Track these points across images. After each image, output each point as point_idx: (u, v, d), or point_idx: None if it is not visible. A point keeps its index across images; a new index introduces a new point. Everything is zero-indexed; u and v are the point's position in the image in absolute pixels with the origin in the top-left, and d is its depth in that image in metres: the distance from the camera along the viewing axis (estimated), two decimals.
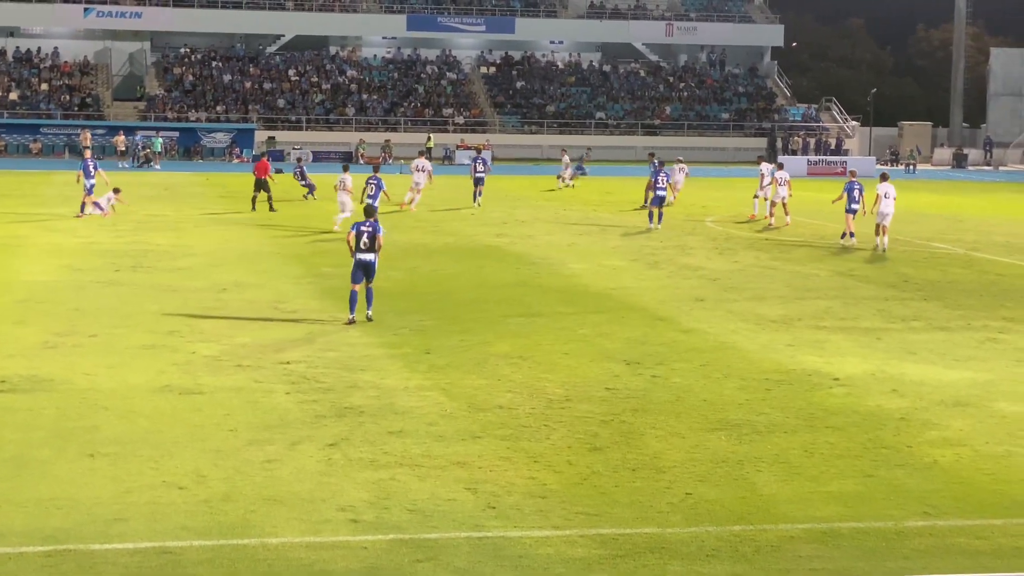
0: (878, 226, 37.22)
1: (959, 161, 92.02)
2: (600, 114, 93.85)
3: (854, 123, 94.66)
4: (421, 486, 14.49)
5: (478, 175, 49.90)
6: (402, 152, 78.30)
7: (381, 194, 38.97)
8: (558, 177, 61.93)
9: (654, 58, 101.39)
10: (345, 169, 41.32)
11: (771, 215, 44.71)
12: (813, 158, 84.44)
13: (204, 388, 18.88)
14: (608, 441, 16.57)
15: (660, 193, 42.47)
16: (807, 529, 13.49)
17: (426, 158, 52.53)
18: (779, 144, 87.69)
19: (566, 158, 63.43)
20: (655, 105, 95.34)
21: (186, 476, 14.63)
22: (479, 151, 54.33)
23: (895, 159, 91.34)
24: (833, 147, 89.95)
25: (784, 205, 44.26)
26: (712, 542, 12.99)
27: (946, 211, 46.49)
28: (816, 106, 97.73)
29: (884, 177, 38.27)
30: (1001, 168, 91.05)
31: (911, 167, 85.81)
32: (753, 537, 13.17)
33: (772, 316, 26.06)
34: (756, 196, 46.78)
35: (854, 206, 38.05)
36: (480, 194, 49.66)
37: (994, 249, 38.49)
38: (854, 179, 39.18)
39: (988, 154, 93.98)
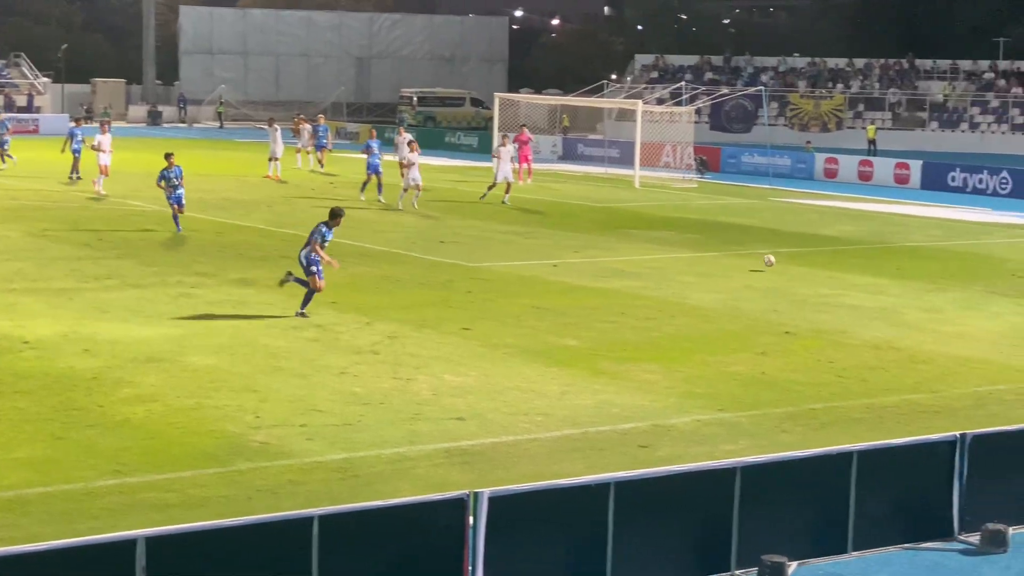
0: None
1: (154, 118, 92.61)
2: None
3: (46, 80, 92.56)
4: None
5: None
6: None
7: None
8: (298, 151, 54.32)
9: None
10: None
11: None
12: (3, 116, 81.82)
13: None
14: None
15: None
16: None
17: None
18: None
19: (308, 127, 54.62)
20: None
21: None
22: None
23: (89, 116, 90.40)
24: (24, 104, 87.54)
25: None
26: None
27: (141, 168, 46.45)
28: (4, 62, 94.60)
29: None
30: (195, 125, 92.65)
31: (107, 125, 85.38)
32: None
33: None
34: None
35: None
36: None
37: (191, 206, 38.98)
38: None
39: (182, 111, 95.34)
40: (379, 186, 42.32)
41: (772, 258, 28.89)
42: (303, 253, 22.47)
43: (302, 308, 22.43)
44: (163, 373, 18.33)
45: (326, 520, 10.65)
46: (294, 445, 15.24)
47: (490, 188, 42.69)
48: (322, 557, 10.58)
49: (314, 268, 22.39)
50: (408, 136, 48.55)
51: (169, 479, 13.87)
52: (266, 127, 51.85)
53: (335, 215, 22.72)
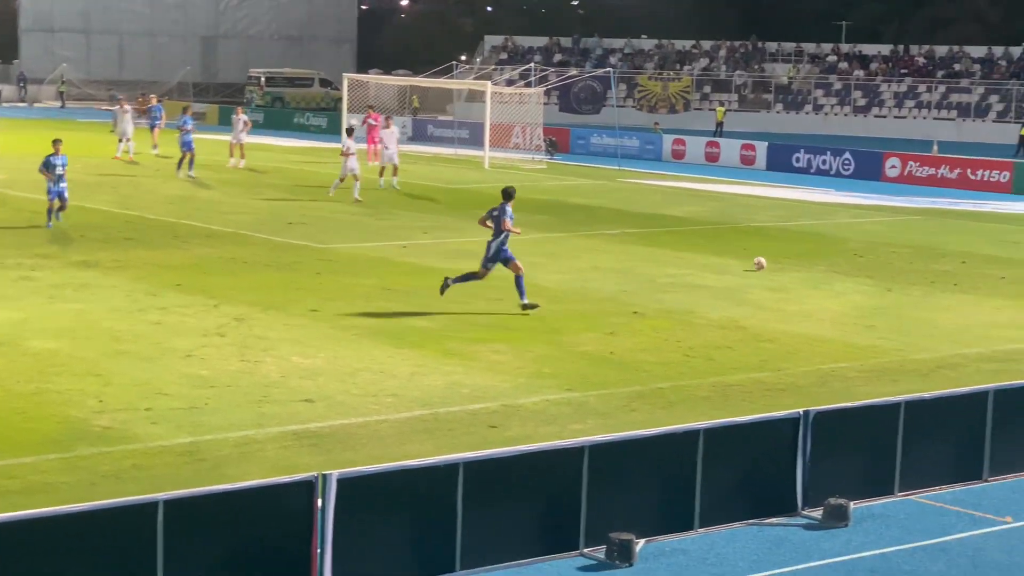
0: None
1: None
2: None
3: None
4: None
5: None
6: None
7: None
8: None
9: None
10: None
11: None
12: None
13: None
14: None
15: None
16: None
17: None
18: None
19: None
20: None
21: None
22: None
23: None
24: None
25: None
26: None
27: None
28: None
29: None
30: (36, 105, 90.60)
31: None
32: None
33: None
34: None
35: None
36: None
37: (26, 187, 38.14)
38: None
39: (22, 90, 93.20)
40: (190, 163, 42.36)
41: (763, 260, 27.42)
42: (495, 244, 22.07)
43: (524, 299, 22.03)
44: (2, 358, 17.90)
45: (171, 505, 10.49)
46: (138, 429, 14.99)
47: (381, 175, 41.05)
48: (167, 542, 10.42)
49: (511, 255, 22.11)
50: (244, 117, 47.85)
51: (9, 465, 13.55)
52: (115, 108, 50.75)
53: (509, 194, 22.42)
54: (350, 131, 38.98)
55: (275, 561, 10.93)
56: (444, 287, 22.29)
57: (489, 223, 22.19)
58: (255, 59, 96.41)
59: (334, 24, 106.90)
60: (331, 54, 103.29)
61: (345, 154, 37.71)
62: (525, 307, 22.01)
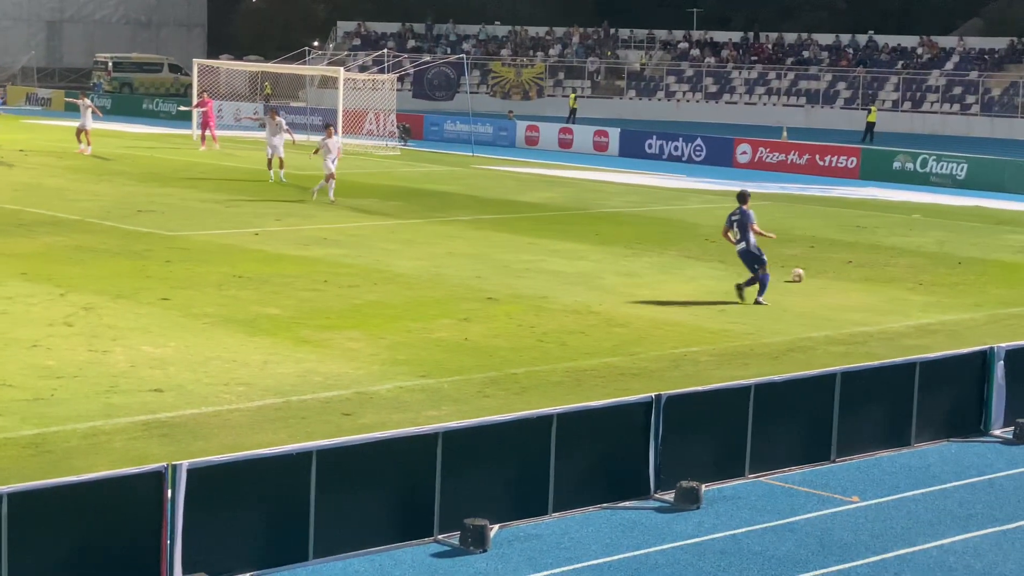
0: None
1: None
2: None
3: None
4: None
5: None
6: None
7: None
8: None
9: None
10: None
11: None
12: None
13: None
14: None
15: None
16: None
17: None
18: None
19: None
20: None
21: None
22: None
23: None
24: None
25: None
26: None
27: None
28: None
29: None
30: None
31: None
32: None
33: None
34: None
35: None
36: None
37: None
38: None
39: None
40: None
41: (801, 272, 25.68)
42: (748, 248, 22.59)
43: (760, 296, 22.70)
44: None
45: (16, 498, 10.25)
46: None
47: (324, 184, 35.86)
48: (12, 537, 10.19)
49: (764, 256, 22.71)
50: (88, 101, 47.01)
51: None
52: None
53: (745, 197, 22.82)
54: (327, 127, 36.14)
55: (124, 553, 10.74)
56: (741, 296, 22.81)
57: (733, 233, 22.73)
58: (102, 44, 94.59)
59: (184, 8, 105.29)
60: (181, 39, 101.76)
61: (319, 152, 35.31)
62: (758, 302, 22.73)
